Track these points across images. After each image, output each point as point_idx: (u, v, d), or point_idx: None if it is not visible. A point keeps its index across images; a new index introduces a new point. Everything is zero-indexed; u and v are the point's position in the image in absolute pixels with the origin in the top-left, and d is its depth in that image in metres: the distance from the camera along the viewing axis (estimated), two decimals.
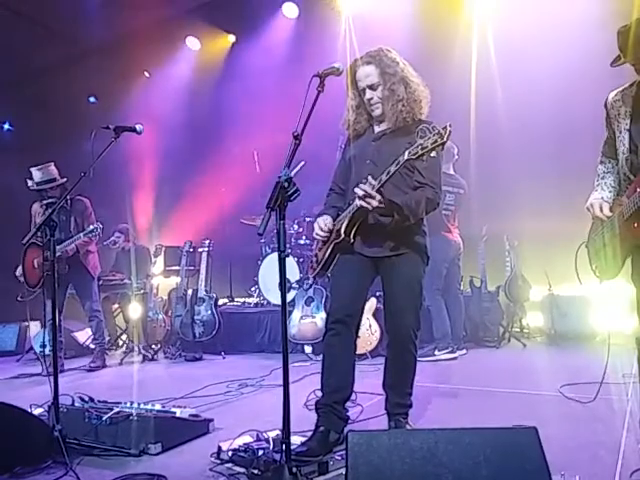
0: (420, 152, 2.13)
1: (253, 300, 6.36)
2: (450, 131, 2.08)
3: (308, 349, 5.06)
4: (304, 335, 5.08)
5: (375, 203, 2.26)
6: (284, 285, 2.01)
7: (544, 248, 5.37)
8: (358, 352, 4.63)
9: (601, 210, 2.31)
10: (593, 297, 5.15)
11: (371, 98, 2.48)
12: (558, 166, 5.44)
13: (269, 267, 5.91)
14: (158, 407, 2.72)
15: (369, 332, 4.82)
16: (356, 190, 2.31)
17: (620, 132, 2.31)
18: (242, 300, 6.69)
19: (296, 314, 5.19)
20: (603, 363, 3.16)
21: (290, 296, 5.60)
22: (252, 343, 5.59)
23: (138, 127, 2.95)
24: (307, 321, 5.11)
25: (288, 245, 6.18)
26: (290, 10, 7.13)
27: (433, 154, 2.15)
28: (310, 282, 5.17)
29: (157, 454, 2.48)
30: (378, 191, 2.28)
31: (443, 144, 2.10)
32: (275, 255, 6.07)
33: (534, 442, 1.36)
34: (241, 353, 5.45)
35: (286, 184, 2.00)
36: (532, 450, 1.34)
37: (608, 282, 2.41)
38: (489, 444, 1.34)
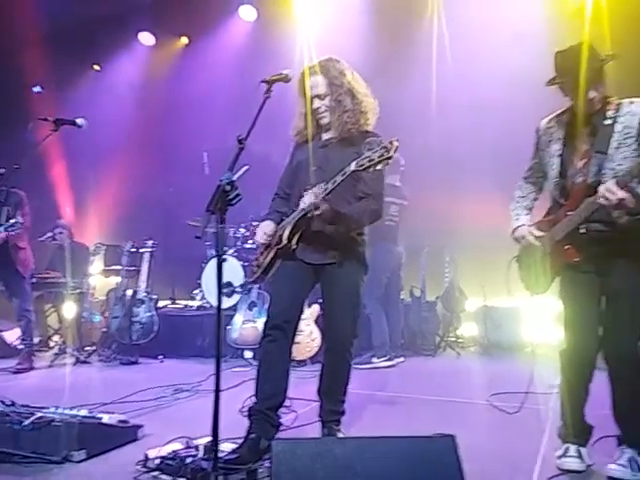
0: (367, 165, 2.18)
1: (196, 303, 6.24)
2: (397, 146, 2.14)
3: (248, 354, 5.02)
4: (245, 340, 5.04)
5: (322, 209, 2.31)
6: (220, 290, 1.99)
7: (480, 261, 5.56)
8: (299, 358, 4.74)
9: (531, 235, 2.44)
10: (524, 310, 5.39)
11: (319, 107, 2.52)
12: (499, 183, 5.63)
13: (213, 270, 5.81)
14: (84, 412, 2.62)
15: (309, 338, 4.84)
16: (304, 194, 2.37)
17: (551, 157, 2.44)
18: (185, 303, 6.55)
19: (238, 318, 5.15)
20: (532, 373, 3.32)
21: (233, 300, 5.55)
22: (192, 347, 5.48)
23: (79, 121, 2.86)
24: (249, 326, 5.07)
25: (234, 248, 6.12)
26: (247, 13, 7.11)
27: (379, 167, 2.19)
28: (242, 286, 5.14)
29: (80, 461, 2.39)
30: (325, 198, 2.33)
31: (389, 158, 2.15)
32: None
33: (451, 450, 1.41)
34: (180, 357, 5.32)
35: (228, 188, 1.98)
36: (449, 458, 1.38)
37: (537, 296, 2.54)
38: (408, 452, 1.37)
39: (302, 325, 4.79)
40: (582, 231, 2.26)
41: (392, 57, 6.13)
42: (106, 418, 2.63)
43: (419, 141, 6.05)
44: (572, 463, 2.33)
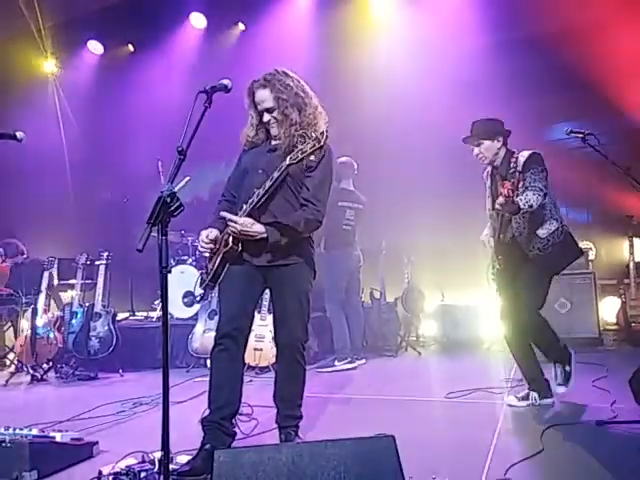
0: (300, 156, 2.28)
1: (156, 314, 6.15)
2: (327, 136, 2.27)
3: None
4: (207, 349, 4.97)
5: (239, 227, 2.34)
6: (166, 302, 1.98)
7: (437, 262, 5.69)
8: (262, 364, 4.72)
9: (488, 243, 3.35)
10: (479, 307, 5.53)
11: (268, 120, 2.53)
12: (451, 188, 5.79)
13: (173, 280, 5.73)
14: (35, 432, 2.56)
15: (272, 344, 4.82)
16: (222, 214, 2.42)
17: (487, 196, 3.25)
18: (144, 314, 6.45)
19: (199, 327, 5.11)
20: (488, 369, 3.41)
21: (194, 310, 5.49)
22: (153, 359, 5.38)
23: (19, 134, 2.76)
24: (210, 335, 5.02)
25: (193, 257, 6.09)
26: (198, 20, 7.09)
27: (312, 157, 2.33)
28: (202, 295, 5.10)
29: None
30: (250, 212, 2.38)
31: (320, 148, 2.29)
32: (180, 268, 5.94)
33: (391, 450, 1.44)
34: (141, 370, 5.23)
35: (168, 199, 1.98)
36: (389, 457, 1.42)
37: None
38: (350, 454, 1.40)
39: (265, 331, 4.79)
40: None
41: (343, 60, 6.21)
42: (59, 436, 2.57)
43: (373, 143, 6.13)
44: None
